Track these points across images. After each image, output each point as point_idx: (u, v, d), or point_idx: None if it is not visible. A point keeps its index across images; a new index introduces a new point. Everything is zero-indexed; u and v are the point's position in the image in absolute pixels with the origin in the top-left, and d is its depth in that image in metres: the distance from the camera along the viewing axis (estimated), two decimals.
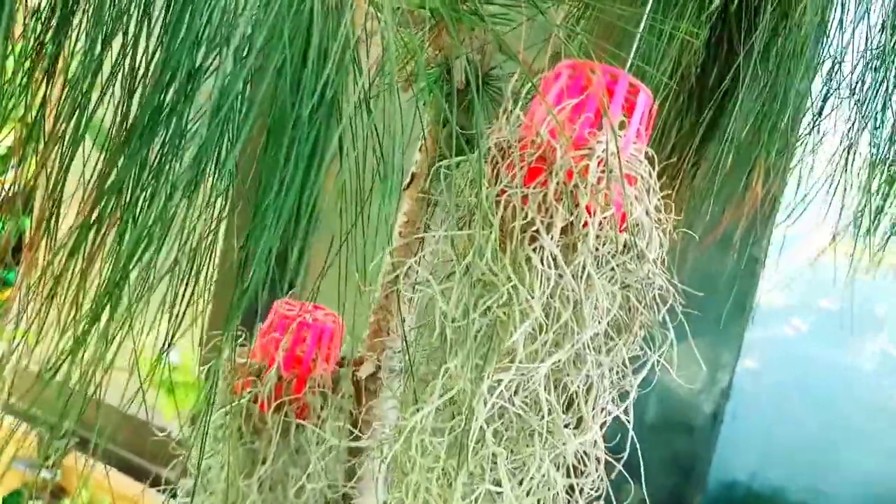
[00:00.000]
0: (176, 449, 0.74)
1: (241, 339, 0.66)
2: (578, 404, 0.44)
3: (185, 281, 0.41)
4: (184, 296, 0.52)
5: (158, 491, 0.77)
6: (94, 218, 0.34)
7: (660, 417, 1.12)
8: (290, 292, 0.71)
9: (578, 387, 0.44)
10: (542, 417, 0.43)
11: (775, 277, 1.11)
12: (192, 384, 1.20)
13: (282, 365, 0.66)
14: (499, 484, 0.44)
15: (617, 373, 0.45)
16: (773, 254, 1.07)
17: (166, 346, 0.55)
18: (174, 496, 0.74)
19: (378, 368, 0.69)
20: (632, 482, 0.48)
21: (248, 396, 0.65)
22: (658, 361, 0.45)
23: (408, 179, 0.68)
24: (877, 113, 0.57)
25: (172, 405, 1.06)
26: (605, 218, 0.41)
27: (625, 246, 0.42)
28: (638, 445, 0.46)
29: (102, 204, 0.32)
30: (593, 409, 0.44)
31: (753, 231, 0.98)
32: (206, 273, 0.47)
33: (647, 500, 0.49)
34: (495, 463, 0.44)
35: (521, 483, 0.43)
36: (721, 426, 1.09)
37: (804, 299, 1.21)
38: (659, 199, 0.43)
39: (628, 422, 0.48)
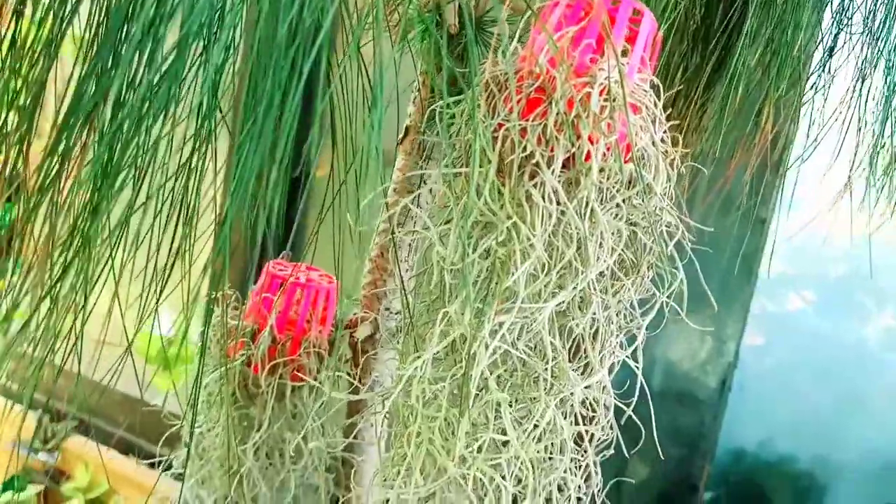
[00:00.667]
0: (170, 419, 0.72)
1: (232, 299, 0.64)
2: (585, 349, 0.42)
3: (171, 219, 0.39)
4: (172, 243, 0.50)
5: (151, 466, 0.75)
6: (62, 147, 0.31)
7: (666, 388, 1.10)
8: (283, 253, 0.69)
9: (584, 330, 0.42)
10: (547, 362, 0.41)
11: (781, 248, 1.09)
12: (189, 358, 1.18)
13: (275, 326, 0.63)
14: (503, 432, 0.42)
15: (624, 315, 0.43)
16: (781, 217, 1.05)
17: (155, 301, 0.53)
18: (169, 468, 0.73)
19: (376, 330, 0.67)
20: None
21: (242, 359, 0.63)
22: (667, 303, 0.43)
23: (401, 134, 0.65)
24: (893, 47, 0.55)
25: (168, 380, 1.05)
26: (608, 148, 0.39)
27: (630, 181, 0.40)
28: (648, 393, 0.44)
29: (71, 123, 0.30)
30: (600, 352, 0.42)
31: (762, 184, 0.96)
32: (191, 212, 0.45)
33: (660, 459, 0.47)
34: (499, 411, 0.42)
35: (526, 431, 0.41)
36: (728, 395, 1.07)
37: (810, 270, 1.19)
38: (665, 132, 0.41)
39: (637, 367, 0.46)
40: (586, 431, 0.44)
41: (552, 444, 0.43)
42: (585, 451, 0.45)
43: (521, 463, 0.42)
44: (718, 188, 0.64)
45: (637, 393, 0.42)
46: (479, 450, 0.41)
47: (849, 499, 1.09)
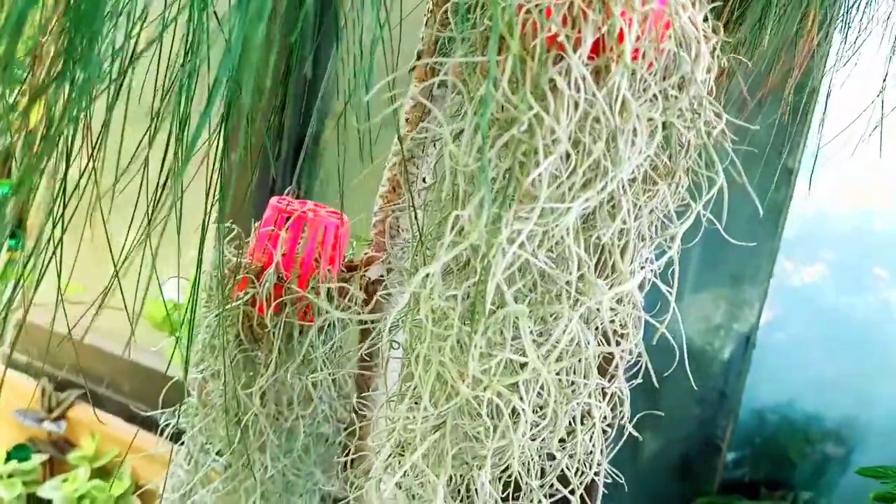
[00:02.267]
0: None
1: (233, 235, 0.61)
2: (613, 262, 0.38)
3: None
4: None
5: (158, 433, 0.72)
6: None
7: (688, 345, 1.06)
8: (288, 189, 0.65)
9: (612, 241, 0.38)
10: (571, 274, 0.38)
11: (806, 205, 1.05)
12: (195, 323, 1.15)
13: (281, 264, 0.60)
14: (522, 353, 0.38)
15: (656, 225, 0.39)
16: (807, 165, 1.00)
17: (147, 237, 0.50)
18: (177, 438, 0.70)
19: (388, 270, 0.64)
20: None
21: (246, 298, 0.60)
22: (703, 213, 0.39)
23: (413, 60, 0.61)
24: None
25: (174, 348, 1.02)
26: (643, 30, 0.35)
27: (666, 69, 0.36)
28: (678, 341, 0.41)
29: None
30: (630, 264, 0.38)
31: (788, 136, 0.92)
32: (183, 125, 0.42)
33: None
34: (517, 329, 0.38)
35: (546, 350, 0.38)
36: (752, 353, 1.03)
37: (832, 234, 1.14)
38: (708, 13, 0.37)
39: (670, 292, 0.42)
40: (612, 355, 0.40)
41: (575, 366, 0.40)
42: (612, 378, 0.41)
43: (541, 386, 0.39)
44: (766, 90, 0.59)
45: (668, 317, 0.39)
46: (495, 371, 0.38)
47: (875, 459, 1.05)
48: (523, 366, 0.39)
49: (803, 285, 1.09)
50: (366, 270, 0.63)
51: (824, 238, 1.11)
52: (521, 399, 0.37)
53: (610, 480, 0.45)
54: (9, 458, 1.50)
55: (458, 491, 0.46)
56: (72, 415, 1.57)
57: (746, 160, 0.99)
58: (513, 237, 0.36)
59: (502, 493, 0.46)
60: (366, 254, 0.65)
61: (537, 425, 0.41)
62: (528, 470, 0.44)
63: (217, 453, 0.66)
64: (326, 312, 0.60)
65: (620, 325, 0.41)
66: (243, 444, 0.62)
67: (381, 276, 0.64)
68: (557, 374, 0.38)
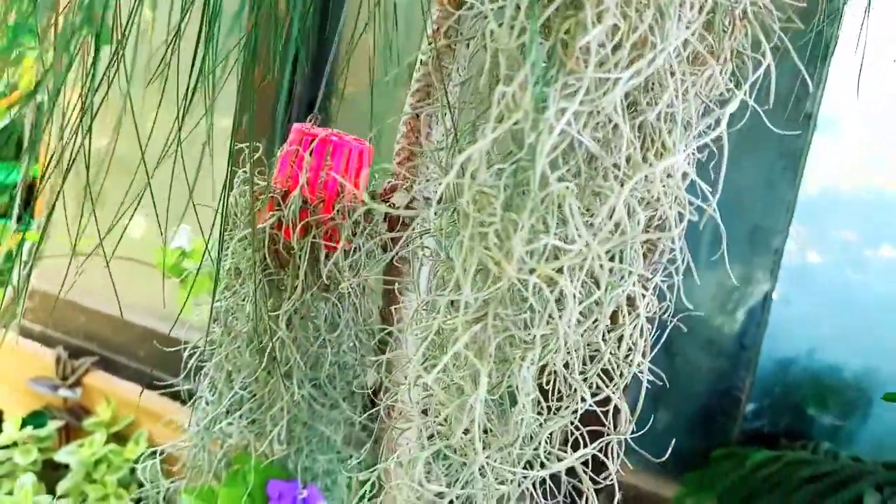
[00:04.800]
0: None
1: (259, 152, 0.60)
2: (662, 142, 0.38)
3: None
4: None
5: (174, 398, 0.72)
6: None
7: (707, 298, 1.05)
8: (311, 116, 0.64)
9: (660, 117, 0.37)
10: (617, 155, 0.37)
11: (827, 163, 1.04)
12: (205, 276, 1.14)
13: (307, 187, 0.59)
14: (566, 240, 0.38)
15: (702, 111, 0.39)
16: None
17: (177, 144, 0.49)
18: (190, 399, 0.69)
19: (413, 199, 0.63)
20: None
21: (271, 221, 0.59)
22: (748, 92, 0.39)
23: None
24: None
25: (185, 298, 1.01)
26: None
27: None
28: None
29: None
30: (677, 141, 0.37)
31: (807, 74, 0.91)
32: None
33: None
34: (561, 216, 0.38)
35: (593, 231, 0.37)
36: (772, 304, 1.03)
37: (854, 195, 1.13)
38: None
39: (712, 191, 0.41)
40: (656, 242, 0.40)
41: (620, 253, 0.39)
42: (654, 268, 0.41)
43: (587, 273, 0.38)
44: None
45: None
46: (538, 258, 0.37)
47: (895, 408, 1.05)
48: (565, 250, 0.38)
49: (827, 236, 1.09)
50: (389, 197, 0.62)
51: (846, 192, 1.10)
52: (568, 282, 0.37)
53: (648, 386, 0.45)
54: (24, 424, 1.50)
55: (499, 401, 0.46)
56: (87, 381, 1.57)
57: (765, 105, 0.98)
58: (559, 115, 0.36)
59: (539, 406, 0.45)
60: (389, 181, 0.64)
61: (582, 314, 0.41)
62: (570, 369, 0.43)
63: (241, 386, 0.66)
64: (353, 235, 0.59)
65: (662, 214, 0.40)
66: (269, 369, 0.62)
67: (407, 202, 0.63)
68: (601, 260, 0.37)
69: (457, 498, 0.46)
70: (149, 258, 1.19)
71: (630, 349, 0.43)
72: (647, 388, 0.44)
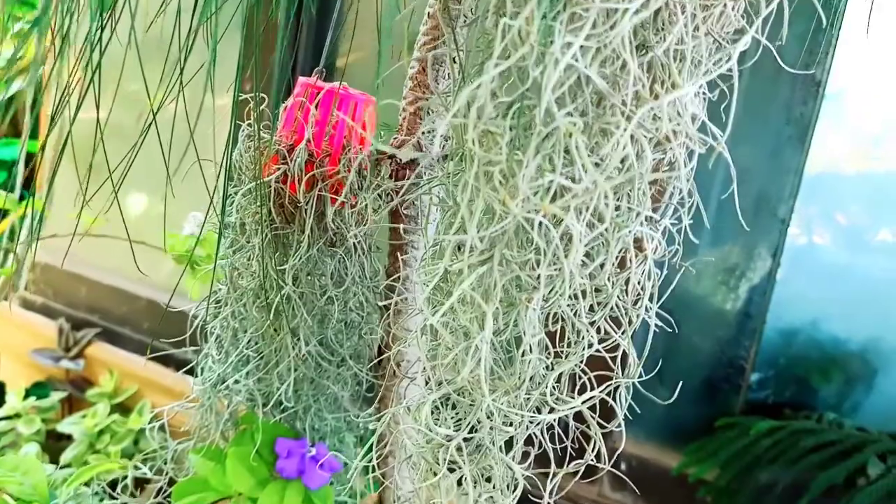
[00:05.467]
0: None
1: (263, 104, 0.60)
2: (671, 80, 0.37)
3: None
4: None
5: (178, 370, 0.72)
6: None
7: (712, 265, 1.05)
8: (316, 70, 0.64)
9: (668, 54, 0.37)
10: (625, 92, 0.37)
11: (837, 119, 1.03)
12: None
13: (313, 140, 0.59)
14: (572, 179, 0.37)
15: (713, 49, 0.38)
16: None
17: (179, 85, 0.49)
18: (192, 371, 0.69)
19: (418, 153, 0.63)
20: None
21: (277, 175, 0.59)
22: (760, 30, 0.38)
23: None
24: None
25: (195, 284, 1.01)
26: None
27: None
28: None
29: None
30: (685, 80, 0.37)
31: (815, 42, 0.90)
32: None
33: None
34: (567, 155, 0.37)
35: (600, 168, 0.37)
36: (778, 272, 1.02)
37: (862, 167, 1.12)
38: None
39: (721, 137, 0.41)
40: (664, 182, 0.39)
41: (629, 191, 0.39)
42: (662, 209, 0.41)
43: (593, 212, 0.38)
44: None
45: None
46: (544, 196, 0.37)
47: None
48: (570, 188, 0.38)
49: (833, 206, 1.08)
50: (395, 154, 0.62)
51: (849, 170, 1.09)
52: (574, 220, 0.37)
53: (656, 330, 0.45)
54: (27, 395, 1.51)
55: (506, 349, 0.46)
56: (89, 353, 1.57)
57: (774, 72, 0.97)
58: (565, 48, 0.35)
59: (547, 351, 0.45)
60: (395, 137, 0.64)
61: (588, 255, 0.40)
62: (577, 314, 0.43)
63: (247, 343, 0.66)
64: (359, 189, 0.59)
65: (672, 157, 0.40)
66: (276, 326, 0.62)
67: (413, 158, 0.63)
68: (608, 198, 0.37)
69: (465, 444, 0.46)
70: (150, 232, 1.19)
71: (639, 295, 0.43)
72: (651, 344, 0.44)
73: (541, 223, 0.37)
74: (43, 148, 1.46)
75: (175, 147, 0.51)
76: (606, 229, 0.39)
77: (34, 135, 1.60)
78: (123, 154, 0.52)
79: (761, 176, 0.98)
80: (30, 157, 1.59)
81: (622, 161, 0.37)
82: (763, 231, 1.00)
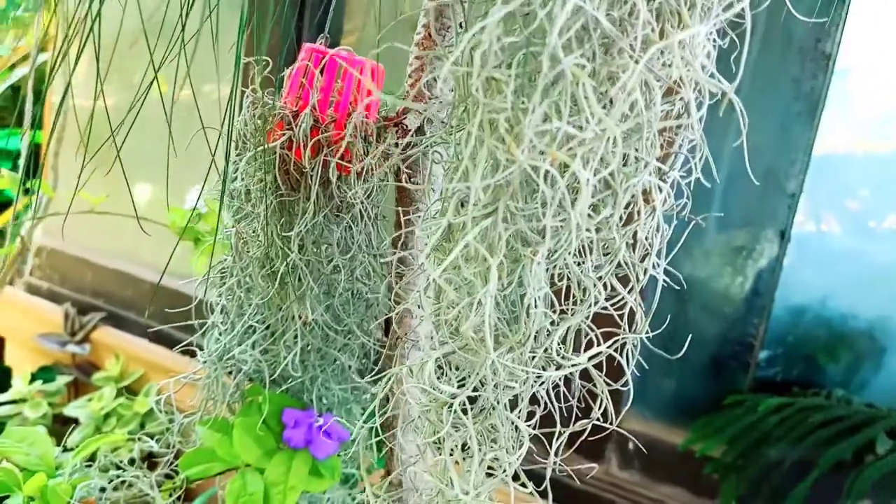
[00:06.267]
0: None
1: (266, 69, 0.59)
2: (681, 22, 0.37)
3: None
4: None
5: (183, 353, 0.72)
6: None
7: (721, 242, 1.04)
8: (321, 36, 0.64)
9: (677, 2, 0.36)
10: (633, 36, 0.36)
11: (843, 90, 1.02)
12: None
13: (318, 106, 0.59)
14: (579, 128, 0.37)
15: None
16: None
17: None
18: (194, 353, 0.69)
19: (426, 120, 0.62)
20: None
21: (282, 140, 0.58)
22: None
23: None
24: None
25: (201, 260, 1.01)
26: None
27: None
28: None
29: None
30: (695, 22, 0.36)
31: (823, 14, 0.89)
32: None
33: None
34: (574, 102, 0.37)
35: (607, 110, 0.36)
36: (787, 248, 1.02)
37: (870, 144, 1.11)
38: None
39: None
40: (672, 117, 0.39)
41: (637, 141, 0.39)
42: (672, 159, 0.40)
43: (600, 160, 0.37)
44: None
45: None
46: (550, 141, 0.36)
47: None
48: (577, 137, 0.37)
49: (841, 182, 1.07)
50: (402, 120, 0.62)
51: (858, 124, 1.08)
52: (581, 167, 0.36)
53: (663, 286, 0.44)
54: (33, 379, 1.51)
55: (510, 307, 0.46)
56: (95, 337, 1.58)
57: (783, 46, 0.96)
58: None
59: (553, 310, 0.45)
60: (401, 106, 0.63)
61: (595, 209, 0.40)
62: (584, 270, 0.43)
63: (253, 313, 0.66)
64: (364, 155, 0.59)
65: (681, 109, 0.40)
66: (282, 294, 0.62)
67: (419, 126, 0.62)
68: (616, 145, 0.37)
69: (470, 406, 0.46)
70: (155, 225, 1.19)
71: (646, 250, 0.42)
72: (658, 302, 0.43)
73: (547, 172, 0.37)
74: (52, 131, 1.46)
75: (180, 128, 0.51)
76: (614, 178, 0.38)
77: (39, 125, 1.60)
78: (130, 139, 0.52)
79: (770, 152, 0.98)
80: (36, 149, 1.59)
81: (631, 107, 0.36)
82: (772, 207, 1.00)
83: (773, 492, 0.97)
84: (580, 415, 0.47)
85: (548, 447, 0.45)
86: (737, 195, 0.99)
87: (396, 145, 0.62)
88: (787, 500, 0.94)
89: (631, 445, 1.10)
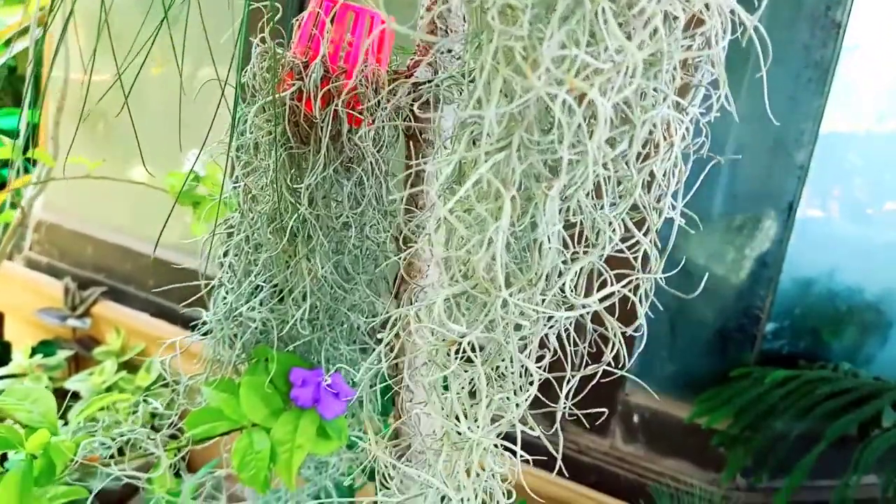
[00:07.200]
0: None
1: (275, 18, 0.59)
2: None
3: None
4: None
5: (185, 327, 0.72)
6: None
7: (728, 213, 1.04)
8: None
9: None
10: None
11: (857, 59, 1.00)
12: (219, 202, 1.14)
13: (328, 57, 0.58)
14: (597, 59, 0.36)
15: None
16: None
17: None
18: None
19: (436, 73, 0.62)
20: None
21: (292, 91, 0.58)
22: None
23: None
24: None
25: (199, 224, 1.00)
26: None
27: None
28: None
29: None
30: None
31: None
32: None
33: None
34: (592, 33, 0.37)
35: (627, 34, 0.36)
36: (794, 219, 1.01)
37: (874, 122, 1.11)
38: None
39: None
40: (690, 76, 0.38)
41: (657, 73, 0.38)
42: (692, 92, 0.40)
43: (619, 90, 0.37)
44: None
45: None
46: (569, 68, 0.36)
47: None
48: (597, 71, 0.37)
49: (849, 155, 1.07)
50: (413, 73, 0.61)
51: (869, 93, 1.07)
52: (599, 95, 0.36)
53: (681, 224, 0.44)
54: (33, 353, 1.51)
55: (522, 249, 0.45)
56: (96, 312, 1.58)
57: (792, 15, 0.96)
58: None
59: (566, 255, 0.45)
60: (412, 59, 0.63)
61: (611, 144, 0.39)
62: (598, 206, 0.42)
63: (261, 270, 0.65)
64: (375, 108, 0.58)
65: (701, 44, 0.39)
66: (291, 249, 0.61)
67: (430, 79, 0.62)
68: (635, 76, 0.36)
69: (479, 351, 0.45)
70: (155, 201, 1.18)
71: (663, 190, 0.42)
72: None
73: (564, 101, 0.36)
74: (59, 110, 1.45)
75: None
76: (632, 110, 0.38)
77: (35, 103, 1.59)
78: (130, 114, 0.51)
79: (779, 120, 0.97)
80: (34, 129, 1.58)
81: (651, 35, 0.36)
82: (780, 178, 0.99)
83: (779, 463, 0.97)
84: (590, 362, 0.47)
85: (558, 391, 0.45)
86: (745, 166, 0.99)
87: (410, 87, 0.62)
88: (793, 472, 0.94)
89: (636, 418, 1.10)
